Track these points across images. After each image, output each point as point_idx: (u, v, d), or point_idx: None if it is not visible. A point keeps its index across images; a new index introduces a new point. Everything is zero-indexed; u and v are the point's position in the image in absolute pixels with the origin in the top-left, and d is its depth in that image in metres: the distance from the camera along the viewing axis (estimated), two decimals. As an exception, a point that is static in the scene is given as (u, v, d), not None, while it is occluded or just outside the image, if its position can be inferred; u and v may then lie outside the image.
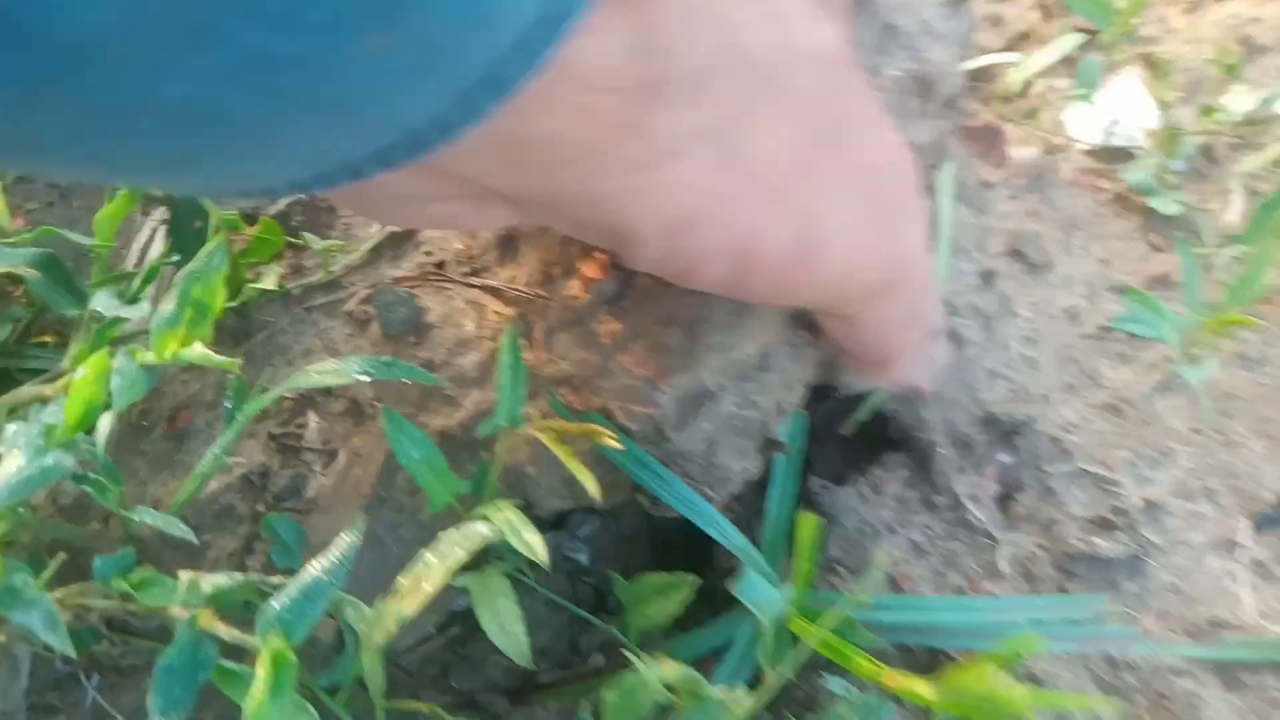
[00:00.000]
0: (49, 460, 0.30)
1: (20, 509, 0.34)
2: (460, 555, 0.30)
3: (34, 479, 0.30)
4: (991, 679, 0.26)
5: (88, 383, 0.32)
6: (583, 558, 0.50)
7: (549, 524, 0.47)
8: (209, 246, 0.35)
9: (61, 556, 0.34)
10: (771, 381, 0.39)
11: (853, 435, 0.53)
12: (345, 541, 0.31)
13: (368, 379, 0.34)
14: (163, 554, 0.36)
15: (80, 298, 0.38)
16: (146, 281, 0.38)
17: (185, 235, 0.39)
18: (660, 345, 0.37)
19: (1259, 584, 0.47)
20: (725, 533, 0.38)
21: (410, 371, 0.35)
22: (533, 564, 0.46)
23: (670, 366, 0.37)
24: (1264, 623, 0.45)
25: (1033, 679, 0.43)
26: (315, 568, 0.31)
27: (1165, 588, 0.47)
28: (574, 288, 0.38)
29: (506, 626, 0.35)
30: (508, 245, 0.41)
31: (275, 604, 0.30)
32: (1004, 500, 0.49)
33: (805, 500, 0.49)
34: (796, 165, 0.25)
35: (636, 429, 0.37)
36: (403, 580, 0.31)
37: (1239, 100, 0.65)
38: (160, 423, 0.39)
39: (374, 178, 0.19)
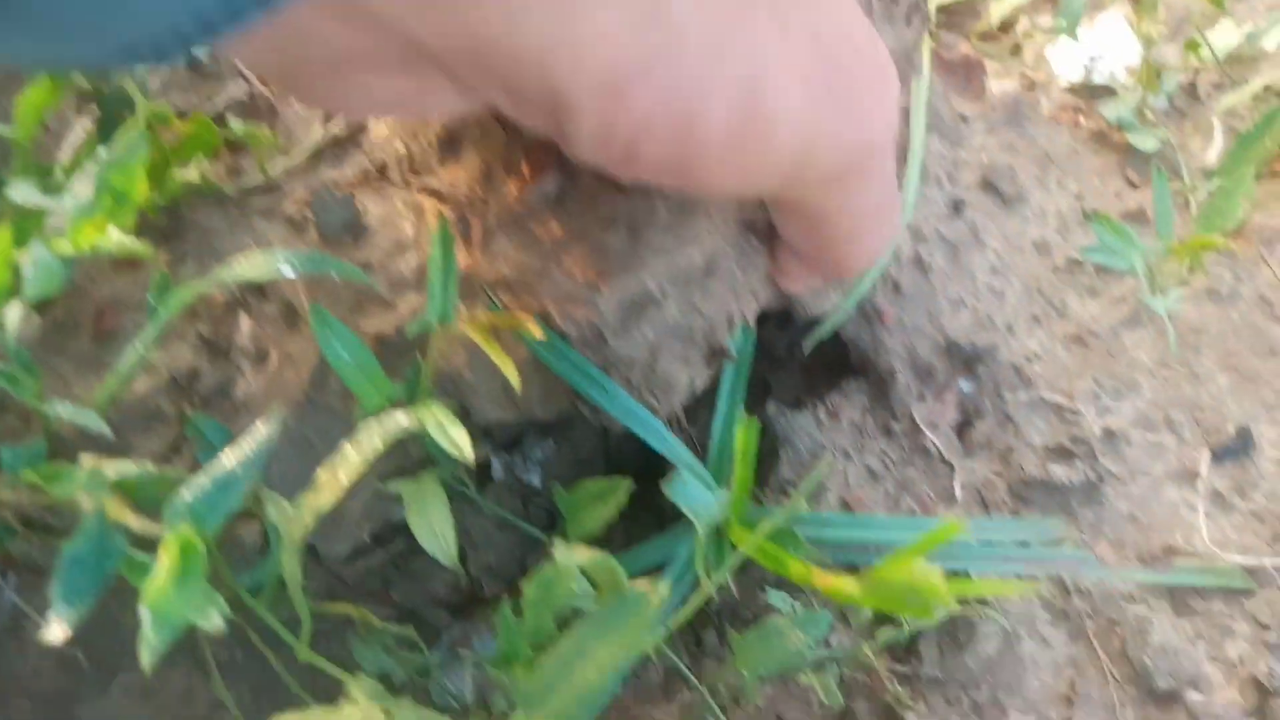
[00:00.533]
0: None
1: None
2: (377, 444, 0.29)
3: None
4: (913, 570, 0.25)
5: (-6, 268, 0.30)
6: (535, 479, 0.49)
7: (503, 445, 0.46)
8: (129, 134, 0.33)
9: (-24, 453, 0.32)
10: (718, 289, 0.38)
11: (813, 362, 0.52)
12: (261, 432, 0.30)
13: (293, 274, 0.33)
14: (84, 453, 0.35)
15: None
16: (70, 173, 0.37)
17: (113, 127, 0.37)
18: (601, 247, 0.36)
19: (1215, 513, 0.46)
20: (667, 442, 0.37)
21: (338, 266, 0.34)
22: (482, 483, 0.45)
23: (611, 269, 0.36)
24: (1217, 550, 0.44)
25: (981, 601, 0.43)
26: (228, 459, 0.30)
27: (1121, 516, 0.46)
28: (513, 187, 0.37)
29: (436, 529, 0.34)
30: (450, 147, 0.39)
31: (186, 494, 0.29)
32: (962, 428, 0.49)
33: (761, 424, 0.49)
34: (735, 22, 0.24)
35: (575, 334, 0.36)
36: (321, 473, 0.30)
37: (1224, 36, 0.64)
38: (86, 324, 0.38)
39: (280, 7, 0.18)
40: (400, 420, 0.30)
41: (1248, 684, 0.41)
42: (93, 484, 0.28)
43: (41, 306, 0.38)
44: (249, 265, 0.33)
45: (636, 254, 0.36)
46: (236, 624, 0.37)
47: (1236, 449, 0.47)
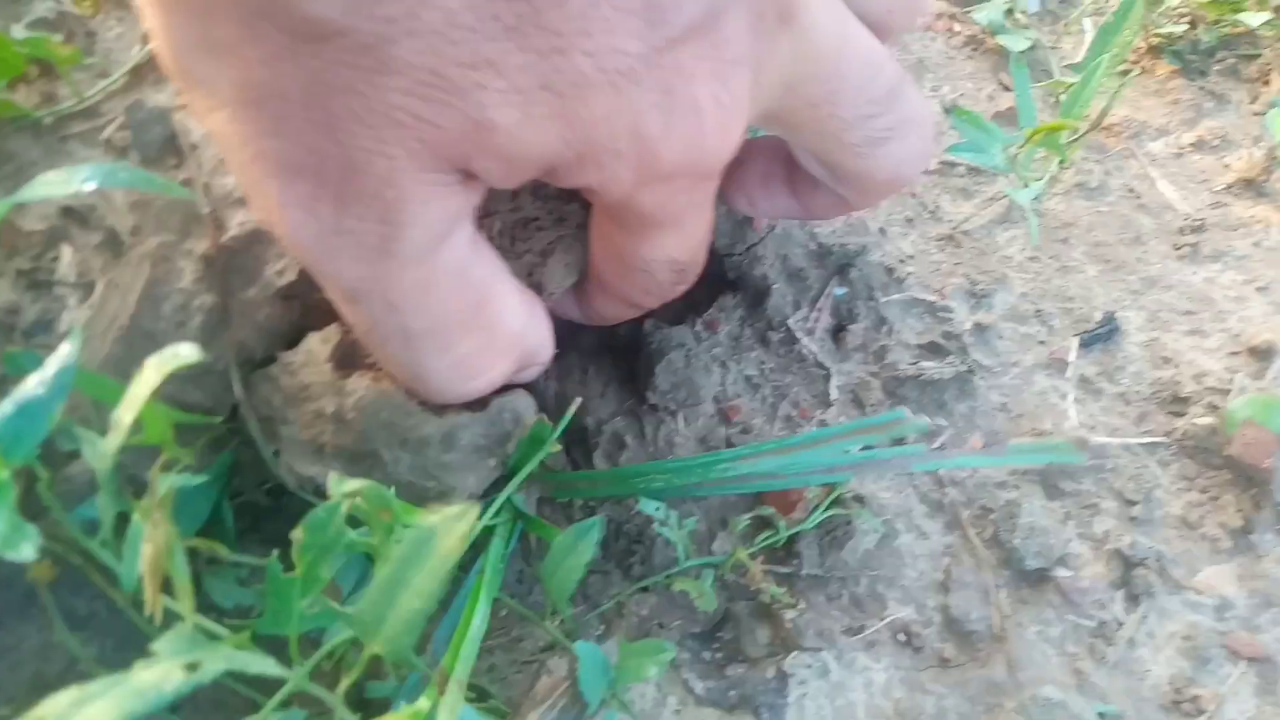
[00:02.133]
0: None
1: None
2: (191, 357, 0.27)
3: None
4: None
5: None
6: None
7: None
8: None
9: None
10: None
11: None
12: (63, 353, 0.28)
13: (94, 186, 0.31)
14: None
15: None
16: None
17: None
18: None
19: (1084, 398, 0.47)
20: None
21: (148, 180, 0.32)
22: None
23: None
24: (1086, 433, 0.45)
25: (858, 499, 0.43)
26: (32, 383, 0.28)
27: (993, 406, 0.47)
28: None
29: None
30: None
31: (-15, 422, 0.28)
32: (837, 332, 0.48)
33: (639, 338, 0.48)
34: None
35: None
36: (129, 394, 0.29)
37: (1089, -66, 0.64)
38: (-110, 262, 0.36)
39: None
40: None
41: (1113, 557, 0.42)
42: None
43: None
44: (49, 184, 0.31)
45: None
46: (83, 570, 0.35)
47: (1103, 335, 0.48)
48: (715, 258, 0.50)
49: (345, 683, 0.28)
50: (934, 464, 0.41)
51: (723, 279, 0.51)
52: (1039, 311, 0.49)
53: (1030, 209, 0.48)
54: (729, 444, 0.45)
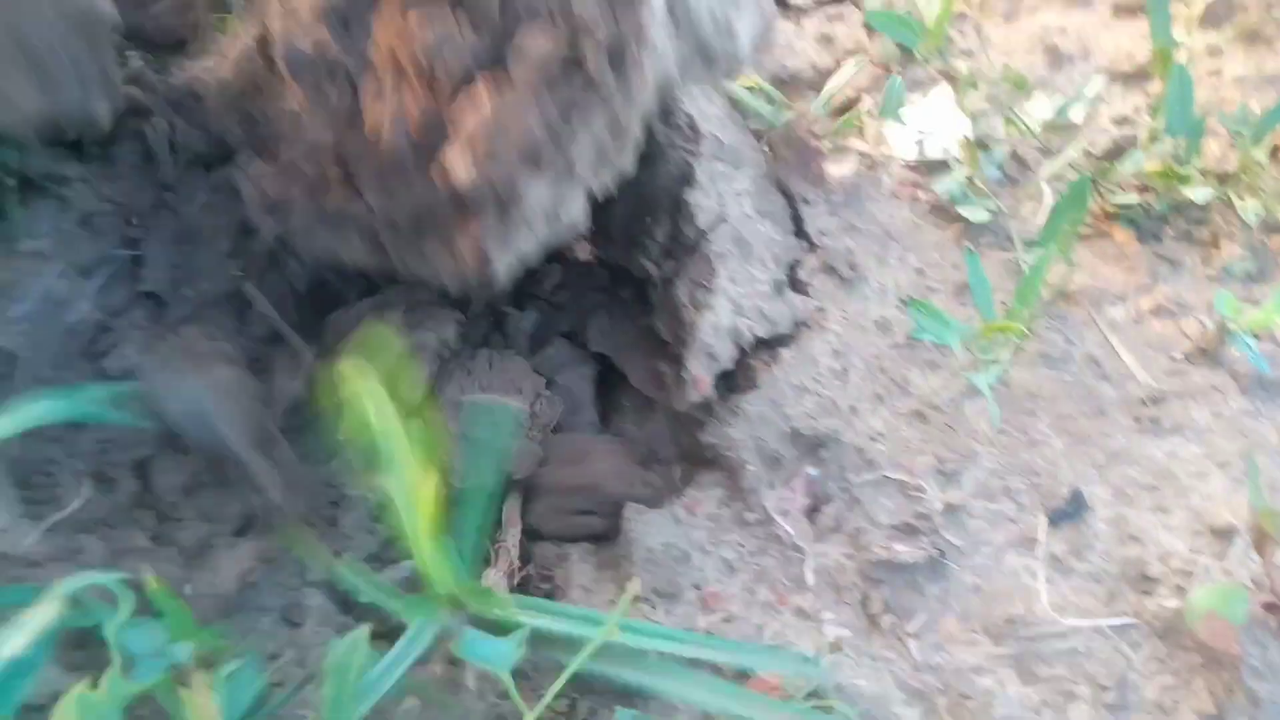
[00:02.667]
0: None
1: None
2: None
3: None
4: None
5: None
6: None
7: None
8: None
9: None
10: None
11: (672, 460, 0.53)
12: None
13: None
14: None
15: None
16: None
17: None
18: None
19: (1054, 577, 0.48)
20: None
21: None
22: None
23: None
24: (1056, 616, 0.46)
25: (839, 688, 0.43)
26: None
27: (967, 588, 0.48)
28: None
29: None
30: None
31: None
32: (812, 512, 0.50)
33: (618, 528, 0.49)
34: None
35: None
36: None
37: (1038, 109, 0.68)
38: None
39: None
40: None
41: (1090, 747, 0.43)
42: None
43: None
44: None
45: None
46: None
47: (1071, 512, 0.50)
48: (692, 438, 0.52)
49: None
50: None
51: (700, 458, 0.53)
52: (1007, 488, 0.51)
53: (989, 392, 0.50)
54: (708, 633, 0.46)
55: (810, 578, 0.47)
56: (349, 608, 0.44)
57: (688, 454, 0.53)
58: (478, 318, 0.52)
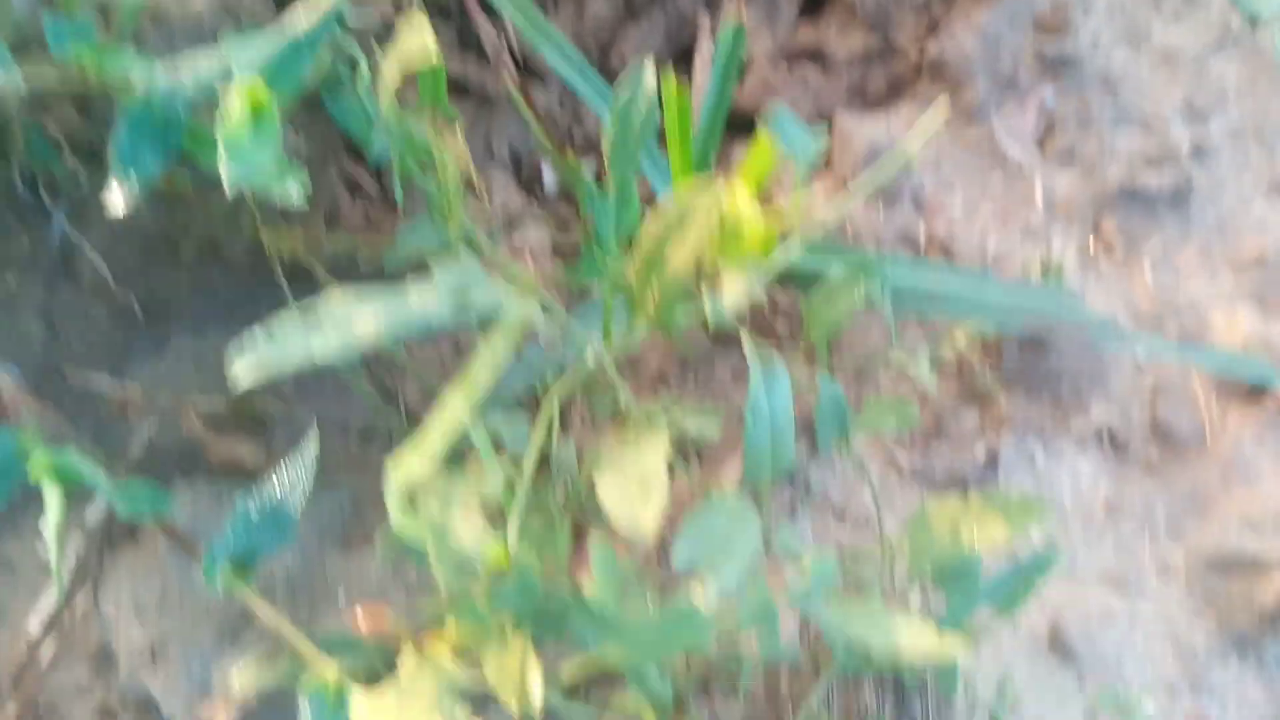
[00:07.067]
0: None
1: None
2: None
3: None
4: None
5: None
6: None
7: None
8: None
9: None
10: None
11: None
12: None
13: None
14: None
15: None
16: None
17: None
18: None
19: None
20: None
21: None
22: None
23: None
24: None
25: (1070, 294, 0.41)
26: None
27: (1209, 225, 0.44)
28: None
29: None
30: None
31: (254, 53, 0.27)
32: (1044, 137, 0.46)
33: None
34: None
35: None
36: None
37: None
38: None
39: None
40: None
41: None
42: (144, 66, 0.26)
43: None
44: None
45: None
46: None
47: (1331, 160, 0.45)
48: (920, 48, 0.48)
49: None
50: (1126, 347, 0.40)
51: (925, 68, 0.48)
52: (1261, 133, 0.46)
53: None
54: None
55: (1039, 199, 0.44)
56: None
57: (914, 65, 0.48)
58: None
